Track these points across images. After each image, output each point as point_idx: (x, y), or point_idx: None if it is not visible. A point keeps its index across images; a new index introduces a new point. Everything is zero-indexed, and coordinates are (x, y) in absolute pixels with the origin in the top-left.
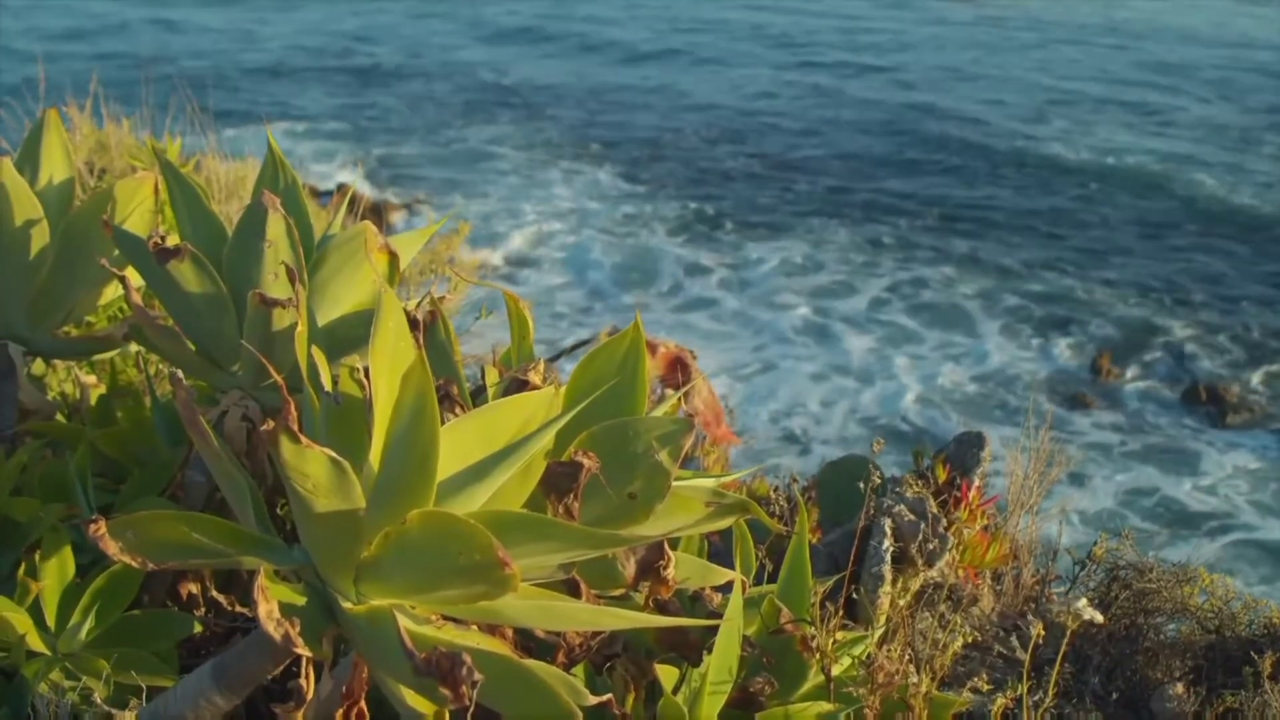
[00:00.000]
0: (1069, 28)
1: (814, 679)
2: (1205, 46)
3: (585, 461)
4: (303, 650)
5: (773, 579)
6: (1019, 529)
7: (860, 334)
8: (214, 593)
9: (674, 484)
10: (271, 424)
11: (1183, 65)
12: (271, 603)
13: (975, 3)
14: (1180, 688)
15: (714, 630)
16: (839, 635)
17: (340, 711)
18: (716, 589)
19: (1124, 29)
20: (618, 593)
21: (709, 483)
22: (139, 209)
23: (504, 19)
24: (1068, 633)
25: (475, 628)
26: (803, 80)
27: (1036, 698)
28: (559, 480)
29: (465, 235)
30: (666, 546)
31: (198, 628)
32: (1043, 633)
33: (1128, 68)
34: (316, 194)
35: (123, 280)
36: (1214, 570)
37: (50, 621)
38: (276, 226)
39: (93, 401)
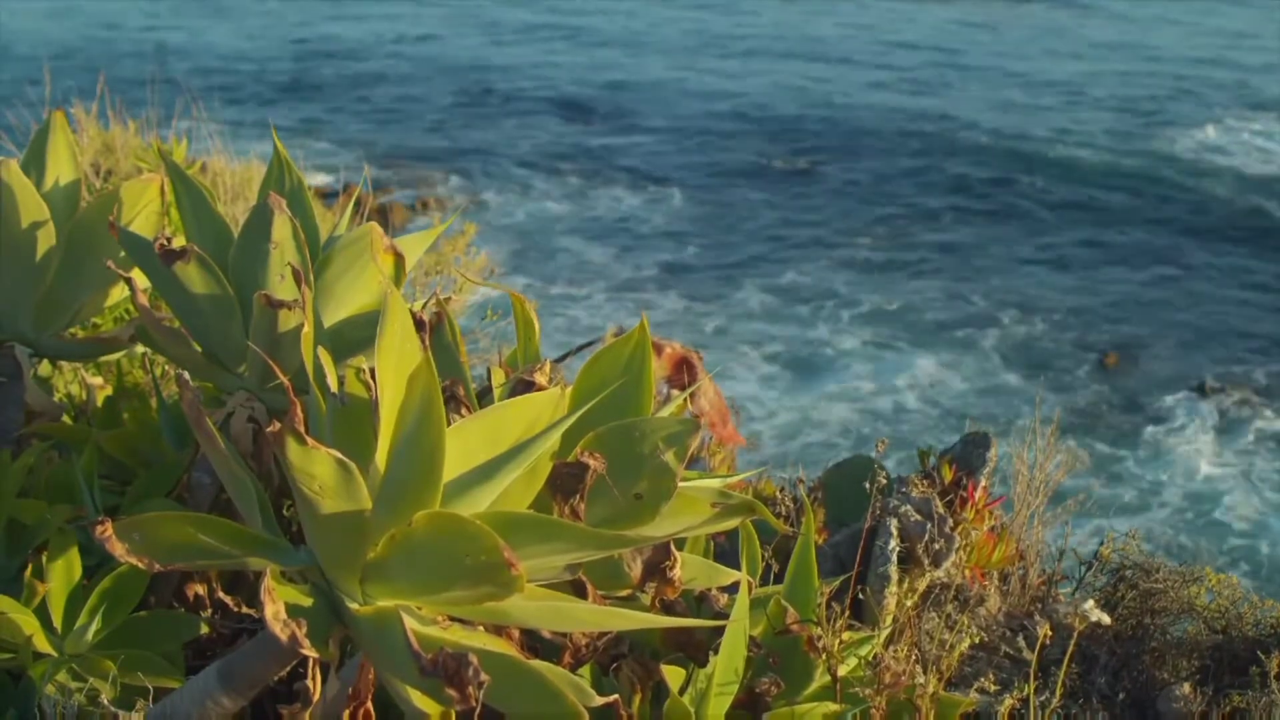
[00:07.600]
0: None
1: (820, 679)
2: None
3: (591, 462)
4: (309, 651)
5: (779, 580)
6: (1025, 529)
7: (862, 338)
8: (220, 594)
9: (680, 485)
10: (278, 425)
11: None
12: (278, 604)
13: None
14: (1187, 688)
15: (720, 631)
16: (845, 636)
17: (347, 712)
18: (722, 590)
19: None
20: (624, 593)
21: (715, 483)
22: (145, 211)
23: (513, 22)
24: (1074, 633)
25: (481, 629)
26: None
27: (1043, 698)
28: (565, 481)
29: (471, 236)
30: (673, 547)
31: (204, 629)
32: (1049, 633)
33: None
34: (322, 195)
35: (129, 282)
36: (1222, 570)
37: (57, 623)
38: (282, 228)
39: (99, 403)
